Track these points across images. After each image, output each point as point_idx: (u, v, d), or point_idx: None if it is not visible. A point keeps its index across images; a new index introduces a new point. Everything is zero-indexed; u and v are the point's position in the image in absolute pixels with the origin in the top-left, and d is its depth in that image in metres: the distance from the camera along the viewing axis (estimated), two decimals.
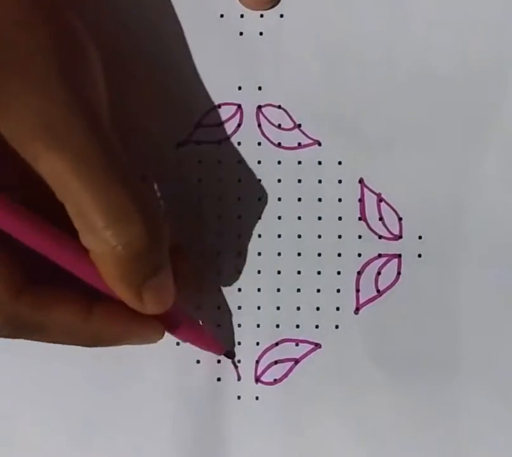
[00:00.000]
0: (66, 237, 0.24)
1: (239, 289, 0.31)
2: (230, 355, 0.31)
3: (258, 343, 0.31)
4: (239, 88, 0.31)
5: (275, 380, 0.31)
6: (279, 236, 0.31)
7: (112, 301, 0.26)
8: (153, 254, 0.24)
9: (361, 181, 0.30)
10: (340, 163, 0.30)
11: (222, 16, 0.31)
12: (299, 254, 0.31)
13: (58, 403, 0.32)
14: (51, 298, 0.25)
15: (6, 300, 0.24)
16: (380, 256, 0.30)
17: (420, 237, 0.30)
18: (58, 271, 0.25)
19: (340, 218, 0.30)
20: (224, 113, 0.31)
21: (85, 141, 0.23)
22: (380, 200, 0.30)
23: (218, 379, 0.31)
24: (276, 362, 0.31)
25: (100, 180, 0.23)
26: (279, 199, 0.31)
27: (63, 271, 0.25)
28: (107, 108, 0.26)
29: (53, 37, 0.24)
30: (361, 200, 0.30)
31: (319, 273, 0.30)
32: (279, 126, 0.31)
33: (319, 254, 0.30)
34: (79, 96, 0.24)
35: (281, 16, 0.30)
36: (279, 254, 0.31)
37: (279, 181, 0.31)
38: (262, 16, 0.30)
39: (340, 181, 0.30)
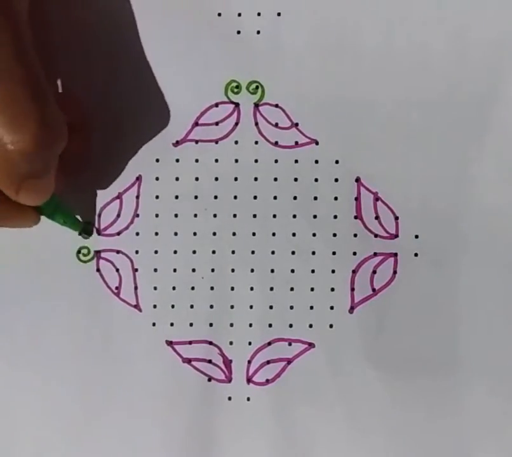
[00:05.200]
0: None
1: (232, 288, 0.30)
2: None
3: (250, 343, 0.30)
4: (237, 87, 0.31)
5: (267, 380, 0.30)
6: (274, 234, 0.30)
7: None
8: (42, 158, 0.26)
9: (357, 179, 0.30)
10: (337, 162, 0.30)
11: (219, 14, 0.31)
12: (293, 253, 0.30)
13: (49, 404, 0.31)
14: None
15: None
16: (375, 254, 0.30)
17: (416, 236, 0.30)
18: None
19: (335, 216, 0.30)
20: (222, 112, 0.31)
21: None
22: (377, 198, 0.30)
23: (209, 380, 0.30)
24: (268, 362, 0.30)
25: (8, 79, 0.24)
26: (275, 197, 0.30)
27: None
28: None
29: None
30: (357, 199, 0.30)
31: (313, 271, 0.30)
32: (276, 125, 0.31)
33: (314, 253, 0.30)
34: None
35: (279, 14, 0.30)
36: (273, 252, 0.30)
37: (276, 179, 0.30)
38: (259, 14, 0.30)
39: (336, 180, 0.30)
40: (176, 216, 0.31)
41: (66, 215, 0.30)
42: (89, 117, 0.31)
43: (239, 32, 0.31)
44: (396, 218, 0.30)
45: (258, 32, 0.30)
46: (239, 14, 0.31)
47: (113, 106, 0.31)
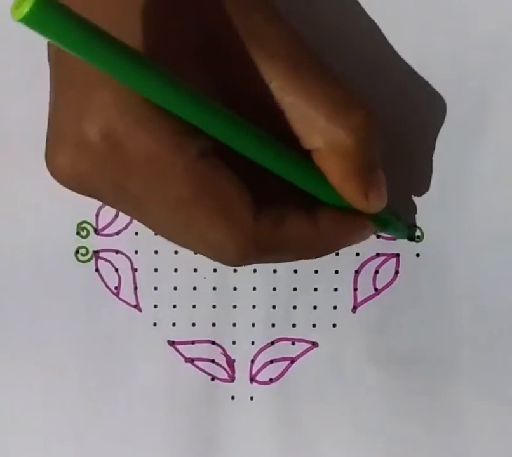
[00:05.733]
0: (283, 145, 0.24)
1: (235, 288, 0.31)
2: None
3: (253, 342, 0.30)
4: None
5: (271, 379, 0.30)
6: None
7: (328, 206, 0.26)
8: (375, 144, 0.25)
9: None
10: None
11: None
12: None
13: (49, 405, 0.31)
14: (282, 213, 0.25)
15: (249, 223, 0.24)
16: (378, 255, 0.30)
17: (418, 237, 0.30)
18: (277, 186, 0.25)
19: None
20: None
21: (293, 45, 0.24)
22: None
23: (212, 379, 0.31)
24: (271, 361, 0.30)
25: (317, 78, 0.24)
26: None
27: (281, 186, 0.25)
28: None
29: None
30: None
31: (316, 272, 0.30)
32: None
33: None
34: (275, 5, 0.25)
35: None
36: None
37: None
38: None
39: None
40: None
41: (395, 222, 0.29)
42: None
43: None
44: (398, 219, 0.30)
45: None
46: None
47: None
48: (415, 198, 0.30)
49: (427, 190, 0.30)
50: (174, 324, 0.31)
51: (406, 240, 0.30)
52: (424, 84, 0.30)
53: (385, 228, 0.29)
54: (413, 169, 0.30)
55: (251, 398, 0.30)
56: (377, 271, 0.30)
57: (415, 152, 0.30)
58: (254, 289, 0.30)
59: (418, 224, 0.30)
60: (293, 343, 0.30)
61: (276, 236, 0.25)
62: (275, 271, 0.30)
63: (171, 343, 0.31)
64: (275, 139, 0.24)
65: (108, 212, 0.31)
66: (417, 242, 0.30)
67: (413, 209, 0.30)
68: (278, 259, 0.27)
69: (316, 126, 0.24)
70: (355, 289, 0.30)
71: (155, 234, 0.30)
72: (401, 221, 0.30)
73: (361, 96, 0.25)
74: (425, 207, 0.30)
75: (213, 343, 0.31)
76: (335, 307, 0.30)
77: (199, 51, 0.24)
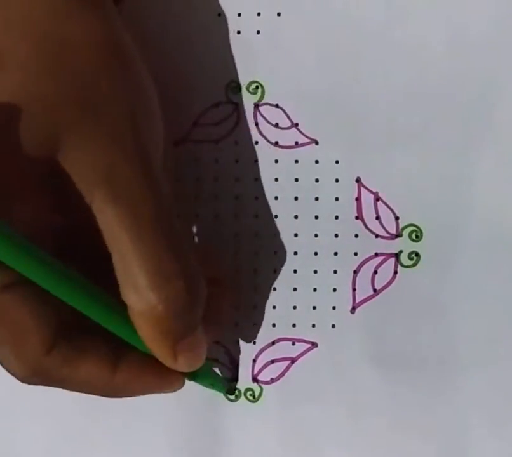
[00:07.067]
0: (100, 291, 0.24)
1: None
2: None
3: (254, 342, 0.31)
4: (237, 87, 0.31)
5: (272, 379, 0.31)
6: (276, 235, 0.31)
7: (138, 353, 0.26)
8: (191, 313, 0.25)
9: (358, 180, 0.30)
10: (337, 162, 0.30)
11: (219, 14, 0.31)
12: (295, 253, 0.30)
13: (50, 406, 0.32)
14: (80, 353, 0.25)
15: (37, 354, 0.24)
16: (376, 255, 0.30)
17: (417, 236, 0.30)
18: (89, 321, 0.25)
19: (336, 217, 0.30)
20: (222, 112, 0.31)
21: (142, 197, 0.24)
22: (377, 199, 0.30)
23: None
24: (272, 361, 0.31)
25: (150, 239, 0.23)
26: (276, 198, 0.31)
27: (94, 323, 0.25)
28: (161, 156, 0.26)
29: (127, 83, 0.25)
30: (358, 199, 0.30)
31: (315, 272, 0.30)
32: (276, 125, 0.31)
33: (316, 253, 0.30)
34: (143, 147, 0.24)
35: (278, 14, 0.30)
36: (275, 252, 0.31)
37: (276, 180, 0.31)
38: (259, 14, 0.30)
39: (337, 180, 0.30)
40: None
41: (214, 376, 0.30)
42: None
43: (239, 32, 0.30)
44: (397, 218, 0.30)
45: (258, 32, 0.30)
46: (239, 14, 0.30)
47: None
48: (414, 198, 0.30)
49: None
50: None
51: (405, 240, 0.30)
52: (425, 84, 0.30)
53: (197, 380, 0.28)
54: (413, 167, 0.30)
55: (254, 397, 0.31)
56: (375, 272, 0.30)
57: (416, 151, 0.30)
58: (255, 289, 0.31)
59: (418, 224, 0.30)
60: (293, 343, 0.31)
61: (62, 374, 0.24)
62: (275, 271, 0.31)
63: None
64: (86, 282, 0.24)
65: None
66: (416, 241, 0.30)
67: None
68: (69, 389, 0.26)
69: (134, 284, 0.23)
70: (354, 290, 0.30)
71: None
72: (218, 377, 0.30)
73: (195, 266, 0.25)
74: (425, 207, 0.30)
75: (217, 342, 0.31)
76: (333, 308, 0.30)
77: (44, 178, 0.23)
